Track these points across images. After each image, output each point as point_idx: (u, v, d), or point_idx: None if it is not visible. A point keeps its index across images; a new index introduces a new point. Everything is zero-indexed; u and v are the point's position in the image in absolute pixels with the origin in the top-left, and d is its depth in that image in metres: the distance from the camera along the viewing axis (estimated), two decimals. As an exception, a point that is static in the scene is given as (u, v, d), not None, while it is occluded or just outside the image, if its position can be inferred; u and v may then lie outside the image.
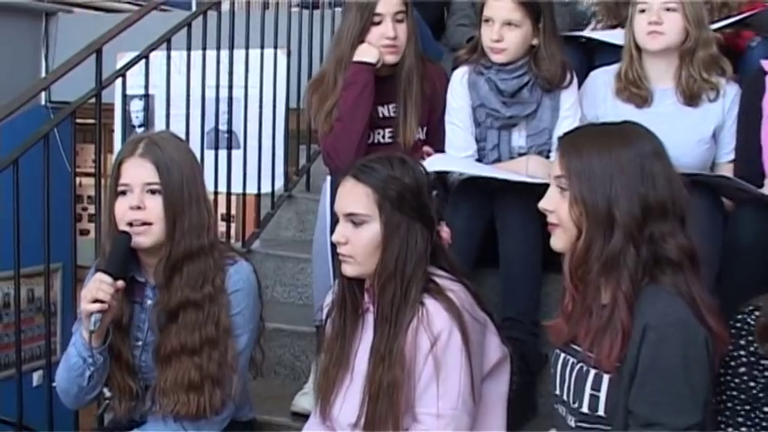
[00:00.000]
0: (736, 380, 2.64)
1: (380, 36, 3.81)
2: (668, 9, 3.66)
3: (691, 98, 3.72)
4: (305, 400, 3.58)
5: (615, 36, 4.10)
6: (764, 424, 2.58)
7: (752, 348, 2.62)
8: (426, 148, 3.85)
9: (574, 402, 2.53)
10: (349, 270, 2.83)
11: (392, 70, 3.88)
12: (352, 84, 3.77)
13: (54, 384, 3.12)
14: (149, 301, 3.08)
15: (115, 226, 2.97)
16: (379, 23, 3.81)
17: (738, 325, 2.66)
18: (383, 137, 3.91)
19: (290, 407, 3.66)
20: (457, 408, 2.70)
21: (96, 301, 2.84)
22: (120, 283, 2.90)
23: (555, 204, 2.51)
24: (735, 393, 2.64)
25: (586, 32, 4.39)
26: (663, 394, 2.34)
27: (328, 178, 3.73)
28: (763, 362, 2.60)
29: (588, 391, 2.48)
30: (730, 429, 2.64)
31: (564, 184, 2.48)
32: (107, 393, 3.05)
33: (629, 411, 2.39)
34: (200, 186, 3.07)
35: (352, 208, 2.79)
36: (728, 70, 3.75)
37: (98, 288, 2.85)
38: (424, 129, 3.93)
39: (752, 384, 2.62)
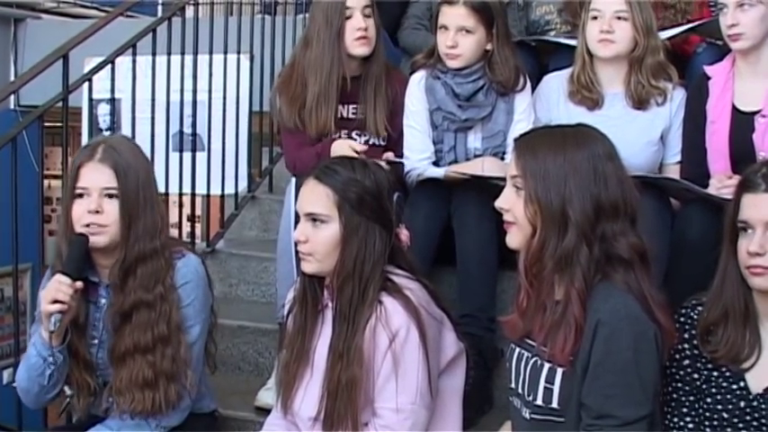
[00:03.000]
0: (681, 372, 2.71)
1: (352, 29, 3.88)
2: (619, 18, 3.73)
3: (639, 102, 3.80)
4: (268, 395, 3.58)
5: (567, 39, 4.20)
6: (708, 414, 2.65)
7: (695, 342, 2.69)
8: (388, 154, 3.88)
9: (528, 395, 2.58)
10: (308, 268, 2.86)
11: (357, 71, 3.95)
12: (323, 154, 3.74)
13: (14, 384, 3.14)
14: (103, 300, 3.10)
15: (71, 227, 3.00)
16: (349, 17, 3.88)
17: (682, 319, 2.73)
18: (339, 137, 3.93)
19: (254, 402, 3.68)
20: (415, 402, 2.75)
21: (56, 301, 2.87)
22: (79, 283, 2.93)
23: (510, 203, 2.55)
24: (680, 385, 2.71)
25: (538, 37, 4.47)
26: (614, 387, 2.39)
27: (293, 180, 3.77)
28: (705, 354, 2.67)
29: (542, 384, 2.53)
30: (676, 419, 2.70)
31: (519, 183, 2.52)
32: (68, 392, 3.05)
33: (581, 404, 2.44)
34: (154, 190, 3.11)
35: (312, 208, 2.83)
36: (674, 76, 3.83)
37: (57, 289, 2.88)
38: (381, 136, 3.99)
39: (695, 376, 2.69)
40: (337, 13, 3.89)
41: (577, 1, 4.13)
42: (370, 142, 3.95)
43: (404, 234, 3.00)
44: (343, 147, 3.75)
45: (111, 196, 2.99)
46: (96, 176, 2.99)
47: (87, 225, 2.98)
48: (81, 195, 3.00)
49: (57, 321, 2.88)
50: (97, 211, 2.97)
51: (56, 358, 2.95)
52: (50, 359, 2.95)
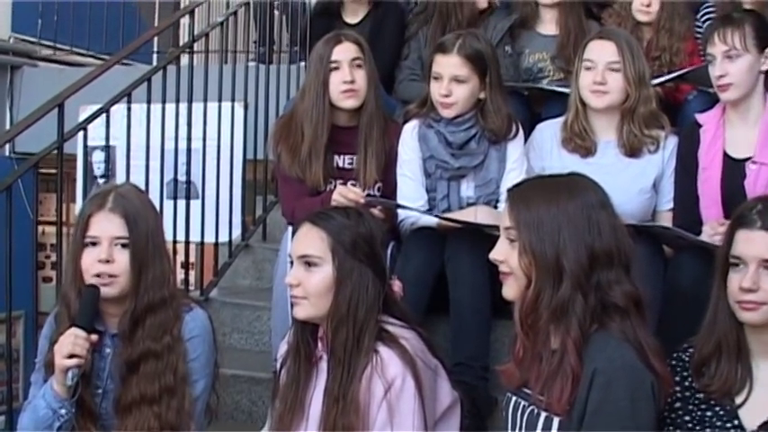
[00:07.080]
0: (672, 415, 2.68)
1: (339, 82, 3.90)
2: (613, 69, 3.77)
3: (632, 151, 3.83)
4: (261, 444, 3.60)
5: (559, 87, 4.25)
6: (702, 456, 2.64)
7: (686, 383, 2.69)
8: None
9: (525, 444, 2.57)
10: (300, 312, 2.85)
11: (352, 121, 3.98)
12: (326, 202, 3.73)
13: None
14: (108, 350, 3.07)
15: (81, 277, 2.98)
16: (337, 69, 3.91)
17: (674, 363, 2.72)
18: (335, 187, 3.91)
19: (248, 452, 3.65)
20: (410, 452, 2.73)
21: (73, 356, 2.86)
22: (94, 336, 2.92)
23: (505, 254, 2.55)
24: (671, 429, 2.69)
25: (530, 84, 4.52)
26: (611, 436, 2.38)
27: (290, 228, 3.78)
28: (698, 395, 2.67)
29: (539, 432, 2.52)
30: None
31: (513, 235, 2.52)
32: None
33: (577, 453, 2.42)
34: (162, 238, 3.10)
35: (305, 250, 2.83)
36: (667, 125, 3.86)
37: (74, 343, 2.86)
38: (377, 185, 4.00)
39: (687, 419, 2.67)
40: (322, 64, 3.93)
41: (571, 49, 4.18)
42: (365, 192, 3.91)
43: (396, 285, 3.01)
44: (340, 193, 3.72)
45: (121, 246, 2.97)
46: (107, 226, 2.97)
47: (98, 275, 2.96)
48: (91, 244, 2.99)
49: (74, 376, 2.87)
50: (108, 261, 2.96)
51: (68, 411, 2.93)
52: (62, 411, 2.92)
